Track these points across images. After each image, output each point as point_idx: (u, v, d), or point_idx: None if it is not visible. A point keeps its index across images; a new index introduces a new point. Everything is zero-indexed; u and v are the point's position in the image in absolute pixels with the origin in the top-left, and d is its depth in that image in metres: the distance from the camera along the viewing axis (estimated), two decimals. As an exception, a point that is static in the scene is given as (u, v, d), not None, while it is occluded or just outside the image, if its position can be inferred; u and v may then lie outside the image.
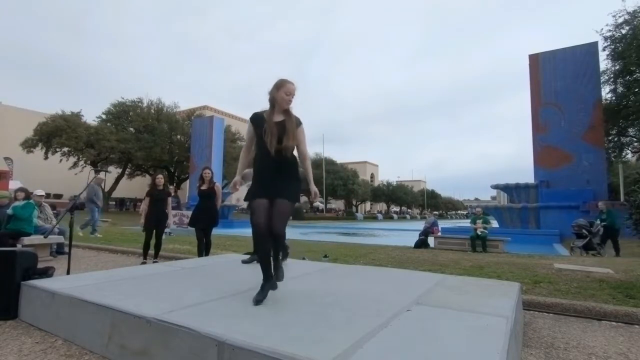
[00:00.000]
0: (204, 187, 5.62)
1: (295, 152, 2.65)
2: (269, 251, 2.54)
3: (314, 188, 2.72)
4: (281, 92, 2.56)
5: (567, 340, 2.64)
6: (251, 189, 2.61)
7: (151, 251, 5.74)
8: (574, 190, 13.66)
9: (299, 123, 2.64)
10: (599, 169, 14.01)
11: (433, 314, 2.28)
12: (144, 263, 5.50)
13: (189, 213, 14.29)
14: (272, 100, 2.61)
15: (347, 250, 7.57)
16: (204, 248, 5.55)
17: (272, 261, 2.59)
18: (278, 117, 2.58)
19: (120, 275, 3.47)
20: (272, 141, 2.48)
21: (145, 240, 5.66)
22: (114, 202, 39.86)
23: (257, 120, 2.63)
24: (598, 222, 9.50)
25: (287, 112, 2.62)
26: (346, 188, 49.62)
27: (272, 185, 2.52)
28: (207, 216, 5.53)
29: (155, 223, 5.64)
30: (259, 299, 2.40)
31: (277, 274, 2.73)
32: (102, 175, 13.08)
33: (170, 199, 5.90)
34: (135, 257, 6.58)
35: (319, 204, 51.29)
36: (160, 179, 5.84)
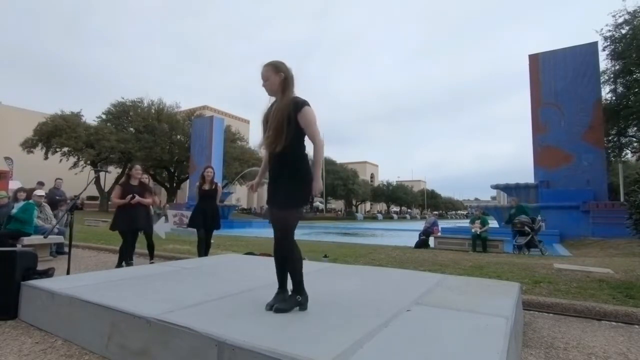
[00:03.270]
0: (206, 187, 5.44)
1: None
2: (277, 258, 2.33)
3: (317, 184, 2.21)
4: None
5: (567, 340, 2.64)
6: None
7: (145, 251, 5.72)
8: (573, 190, 13.64)
9: (298, 107, 2.18)
10: (598, 169, 14.00)
11: (433, 314, 2.28)
12: (129, 264, 5.38)
13: (188, 213, 14.22)
14: None
15: (347, 250, 7.57)
16: (204, 248, 5.51)
17: (284, 272, 2.35)
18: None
19: (120, 275, 3.47)
20: (263, 136, 2.24)
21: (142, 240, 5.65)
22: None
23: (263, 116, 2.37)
24: (539, 218, 9.52)
25: (280, 97, 2.23)
26: (346, 188, 49.70)
27: (270, 190, 2.27)
28: (211, 217, 5.39)
29: (145, 223, 5.50)
30: (270, 303, 2.25)
31: (281, 301, 2.29)
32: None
33: (156, 198, 5.82)
34: (135, 257, 6.57)
35: (319, 204, 51.26)
36: (144, 178, 5.67)
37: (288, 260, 2.31)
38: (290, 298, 2.30)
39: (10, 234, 5.77)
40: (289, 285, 2.36)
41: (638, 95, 14.90)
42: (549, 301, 3.43)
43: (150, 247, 5.68)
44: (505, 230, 13.37)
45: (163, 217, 8.43)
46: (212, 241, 5.78)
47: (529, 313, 3.33)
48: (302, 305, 2.28)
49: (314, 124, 2.20)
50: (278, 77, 2.24)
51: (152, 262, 5.48)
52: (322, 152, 2.24)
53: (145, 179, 5.70)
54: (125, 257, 5.05)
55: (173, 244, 7.91)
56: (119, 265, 5.01)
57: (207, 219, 5.37)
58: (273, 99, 2.35)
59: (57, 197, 8.19)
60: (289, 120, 2.14)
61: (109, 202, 34.45)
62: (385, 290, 3.00)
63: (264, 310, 2.30)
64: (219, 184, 5.72)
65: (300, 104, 2.18)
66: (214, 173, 5.56)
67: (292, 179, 2.21)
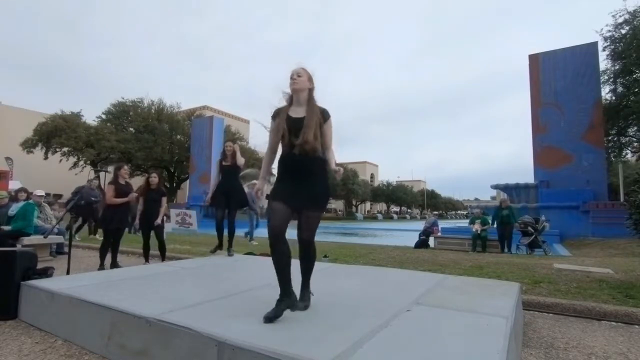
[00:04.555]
0: (227, 163, 5.03)
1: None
2: (282, 258, 2.17)
3: (333, 167, 2.33)
4: (289, 80, 2.37)
5: (567, 340, 2.64)
6: (274, 190, 2.32)
7: (155, 252, 5.69)
8: (573, 190, 13.64)
9: (325, 116, 2.34)
10: (598, 169, 14.00)
11: (433, 314, 2.28)
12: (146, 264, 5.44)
13: (192, 212, 14.13)
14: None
15: (347, 250, 7.57)
16: (222, 229, 5.07)
17: (289, 275, 2.21)
18: (297, 112, 2.33)
19: (120, 275, 3.47)
20: (290, 139, 2.26)
21: (144, 241, 5.55)
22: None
23: (275, 115, 2.40)
24: (543, 218, 9.49)
25: (308, 105, 2.33)
26: (346, 188, 49.61)
27: (296, 192, 2.23)
28: (233, 195, 4.90)
29: (149, 224, 5.46)
30: (269, 316, 2.05)
31: (303, 296, 2.36)
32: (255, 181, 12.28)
33: (164, 199, 5.65)
34: (135, 257, 6.57)
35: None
36: (154, 178, 5.59)
37: (312, 257, 2.41)
38: (305, 294, 2.39)
39: (11, 234, 5.76)
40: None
41: (638, 95, 14.90)
42: (549, 301, 3.42)
43: (162, 247, 5.63)
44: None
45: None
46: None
47: (529, 313, 3.33)
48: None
49: (332, 134, 2.40)
50: (309, 84, 2.38)
51: (147, 263, 5.43)
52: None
53: (155, 178, 5.63)
54: (105, 257, 5.12)
55: (173, 244, 7.91)
56: (101, 267, 5.00)
57: (229, 198, 4.92)
58: (283, 102, 2.42)
59: (93, 198, 8.07)
60: (319, 126, 2.30)
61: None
62: (385, 290, 3.00)
63: (264, 310, 2.29)
64: (242, 158, 5.26)
65: (327, 114, 2.38)
66: (234, 147, 5.16)
67: (323, 180, 2.36)
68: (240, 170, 5.12)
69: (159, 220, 5.52)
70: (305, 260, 2.39)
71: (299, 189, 2.24)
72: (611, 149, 17.55)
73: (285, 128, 2.28)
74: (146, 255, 5.62)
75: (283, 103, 2.45)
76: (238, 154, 5.11)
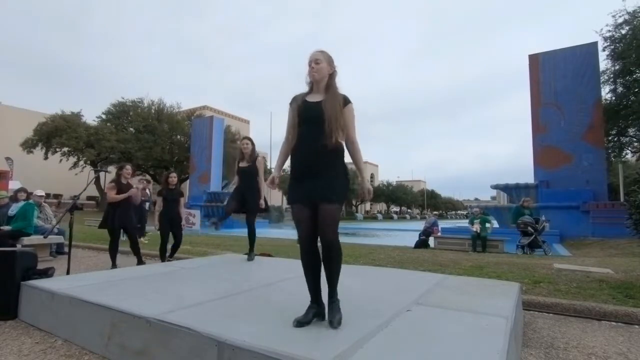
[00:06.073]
0: (244, 164, 4.54)
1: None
2: (310, 265, 2.14)
3: (366, 185, 2.24)
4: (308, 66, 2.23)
5: (567, 340, 2.64)
6: (289, 187, 2.21)
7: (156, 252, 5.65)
8: (573, 191, 13.63)
9: (346, 102, 2.19)
10: (598, 169, 13.99)
11: (433, 314, 2.28)
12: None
13: (196, 212, 14.04)
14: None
15: (347, 250, 7.56)
16: (252, 239, 4.70)
17: (318, 281, 2.15)
18: (316, 97, 2.21)
19: (120, 275, 3.47)
20: (309, 127, 2.13)
21: (162, 242, 5.45)
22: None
23: (293, 103, 2.25)
24: (543, 218, 9.53)
25: (328, 90, 2.20)
26: (346, 188, 49.53)
27: (310, 186, 2.09)
28: (250, 197, 4.43)
29: (170, 224, 5.44)
30: (300, 320, 2.01)
31: (332, 308, 2.07)
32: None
33: (182, 199, 5.65)
34: (134, 257, 6.55)
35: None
36: (174, 178, 5.56)
37: (334, 259, 2.10)
38: (336, 305, 2.10)
39: (10, 234, 5.76)
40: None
41: (638, 95, 14.91)
42: (549, 301, 3.42)
43: (176, 245, 5.62)
44: (506, 230, 13.38)
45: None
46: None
47: (529, 313, 3.33)
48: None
49: (354, 123, 2.20)
50: (330, 69, 2.24)
51: (170, 260, 5.37)
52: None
53: (174, 177, 5.59)
54: (115, 256, 5.11)
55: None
56: (114, 265, 5.02)
57: (246, 201, 4.44)
58: (298, 90, 2.34)
59: (142, 198, 8.02)
60: (341, 113, 2.14)
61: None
62: (385, 290, 3.00)
63: (264, 310, 2.30)
64: (261, 158, 4.73)
65: (347, 99, 2.21)
66: (252, 146, 4.67)
67: (343, 172, 2.17)
68: (257, 172, 4.57)
69: (184, 222, 5.52)
70: (327, 263, 2.10)
71: (313, 182, 2.09)
72: (611, 149, 17.56)
73: (299, 115, 2.17)
74: (162, 256, 5.50)
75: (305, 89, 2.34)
76: (259, 164, 4.55)
